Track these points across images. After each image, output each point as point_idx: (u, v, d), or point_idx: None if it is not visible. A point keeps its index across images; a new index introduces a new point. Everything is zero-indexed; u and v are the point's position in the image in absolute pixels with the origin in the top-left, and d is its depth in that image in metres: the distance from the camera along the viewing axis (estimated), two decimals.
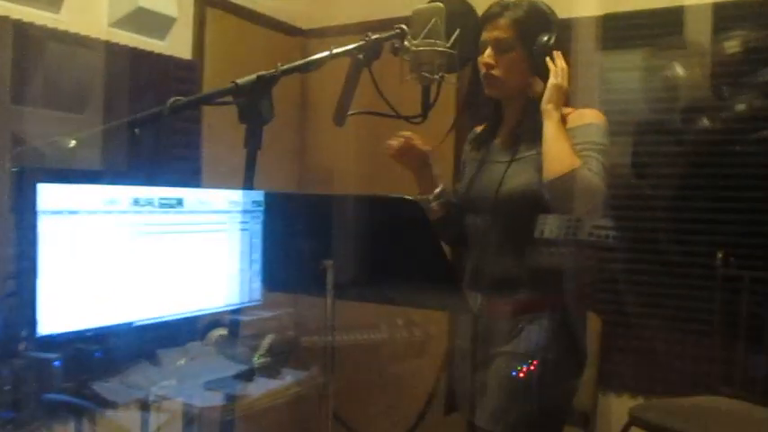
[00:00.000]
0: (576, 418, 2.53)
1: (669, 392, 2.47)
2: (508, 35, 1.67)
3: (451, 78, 1.78)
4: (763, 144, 2.43)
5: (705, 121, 2.53)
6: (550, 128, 1.60)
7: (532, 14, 1.67)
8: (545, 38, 1.65)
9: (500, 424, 1.67)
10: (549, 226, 1.64)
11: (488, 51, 1.68)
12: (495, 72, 1.69)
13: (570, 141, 1.59)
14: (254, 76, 1.34)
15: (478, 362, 1.77)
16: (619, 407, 2.62)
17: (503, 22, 1.67)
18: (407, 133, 1.79)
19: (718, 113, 2.51)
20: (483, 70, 1.71)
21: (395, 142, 1.81)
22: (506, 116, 1.80)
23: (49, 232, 1.44)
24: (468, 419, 1.79)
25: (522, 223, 1.67)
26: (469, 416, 1.77)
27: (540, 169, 1.62)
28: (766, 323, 2.35)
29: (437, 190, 1.84)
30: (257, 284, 1.91)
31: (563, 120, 1.64)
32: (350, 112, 1.63)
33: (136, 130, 1.55)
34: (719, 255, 2.45)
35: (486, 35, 1.69)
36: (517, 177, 1.68)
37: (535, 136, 1.66)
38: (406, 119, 1.67)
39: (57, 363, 1.70)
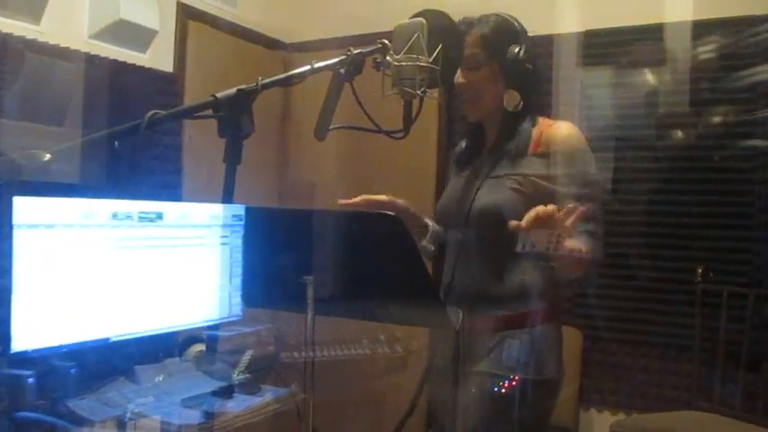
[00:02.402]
0: None
1: (649, 408, 2.47)
2: (477, 52, 1.66)
3: (434, 93, 1.78)
4: (741, 158, 2.46)
5: (683, 136, 2.55)
6: None
7: (499, 29, 1.67)
8: (515, 49, 1.65)
9: None
10: (531, 240, 1.60)
11: (460, 72, 1.66)
12: (470, 93, 1.69)
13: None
14: (233, 90, 1.33)
15: (453, 380, 1.73)
16: (600, 423, 2.63)
17: (470, 39, 1.66)
18: (382, 197, 1.75)
19: (695, 128, 2.54)
20: (459, 94, 1.71)
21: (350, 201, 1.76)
22: (487, 132, 1.79)
23: (24, 246, 1.41)
24: None
25: (496, 239, 1.64)
26: None
27: (515, 189, 1.62)
28: (744, 338, 2.36)
29: (429, 233, 1.77)
30: (237, 300, 1.88)
31: (540, 135, 1.64)
32: (331, 127, 1.62)
33: (115, 144, 1.53)
34: (699, 270, 2.46)
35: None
36: (491, 195, 1.66)
37: (515, 151, 1.66)
38: (388, 134, 1.67)
39: (30, 380, 1.67)
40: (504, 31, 1.67)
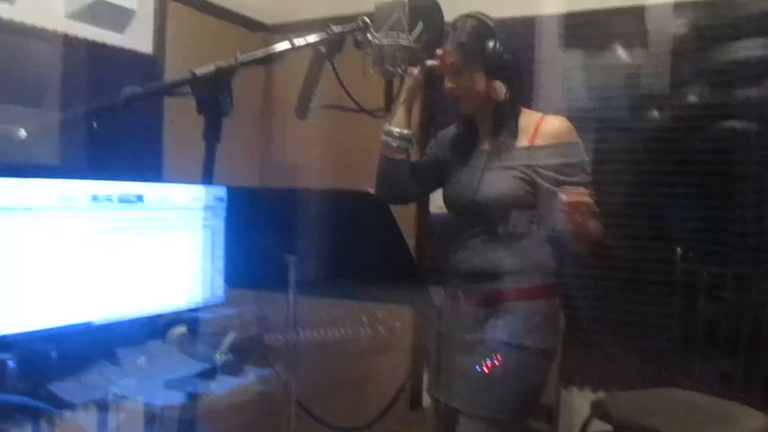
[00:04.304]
0: (540, 413, 2.55)
1: (629, 386, 2.50)
2: (458, 58, 1.76)
3: (414, 72, 1.80)
4: (720, 139, 2.48)
5: (662, 117, 2.56)
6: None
7: (475, 32, 1.76)
8: (493, 46, 1.75)
9: (476, 406, 1.76)
10: (515, 220, 1.77)
11: (446, 78, 1.80)
12: (460, 93, 1.80)
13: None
14: (212, 67, 1.32)
15: (457, 348, 1.85)
16: (581, 401, 2.66)
17: (449, 47, 1.76)
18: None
19: (675, 109, 2.55)
20: (449, 95, 1.82)
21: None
22: (480, 122, 1.89)
23: (1, 229, 1.40)
24: (444, 401, 1.87)
25: (501, 224, 1.79)
26: (447, 398, 1.86)
27: (521, 179, 1.76)
28: (722, 317, 2.39)
29: (405, 131, 1.87)
30: (220, 282, 1.88)
31: (535, 128, 1.78)
32: (312, 106, 1.62)
33: (94, 124, 1.51)
34: (679, 250, 2.49)
35: (437, 64, 1.79)
36: (493, 184, 1.78)
37: (510, 139, 1.80)
38: (369, 113, 1.67)
39: (11, 363, 1.65)
40: (480, 33, 1.76)
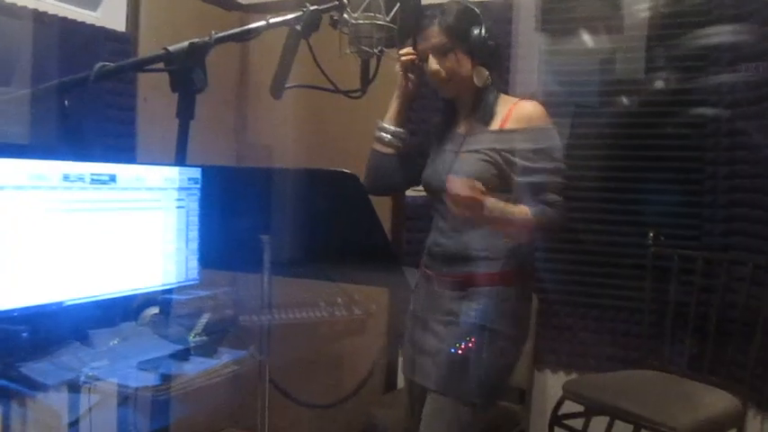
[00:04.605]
0: (513, 395, 2.58)
1: (601, 368, 2.53)
2: (444, 41, 1.79)
3: (392, 53, 1.79)
4: (692, 124, 2.51)
5: (635, 101, 2.58)
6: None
7: (461, 16, 1.79)
8: (478, 31, 1.78)
9: (447, 386, 1.78)
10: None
11: (431, 60, 1.81)
12: (443, 76, 1.81)
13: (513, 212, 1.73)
14: (186, 44, 1.31)
15: (428, 329, 1.87)
16: (553, 382, 2.69)
17: (436, 30, 1.79)
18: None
19: (648, 94, 2.57)
20: (432, 79, 1.84)
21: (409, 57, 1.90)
22: (459, 106, 1.91)
23: None
24: (419, 383, 1.89)
25: None
26: (419, 378, 1.88)
27: (487, 161, 1.77)
28: (693, 300, 2.42)
29: (399, 129, 1.95)
30: (194, 264, 1.88)
31: (508, 112, 1.80)
32: (287, 86, 1.61)
33: (65, 102, 1.49)
34: (651, 234, 2.52)
35: (423, 45, 1.83)
36: (466, 168, 1.78)
37: (485, 126, 1.81)
38: (345, 93, 1.66)
39: None
40: (466, 17, 1.80)
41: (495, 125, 1.81)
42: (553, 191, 1.76)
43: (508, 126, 1.79)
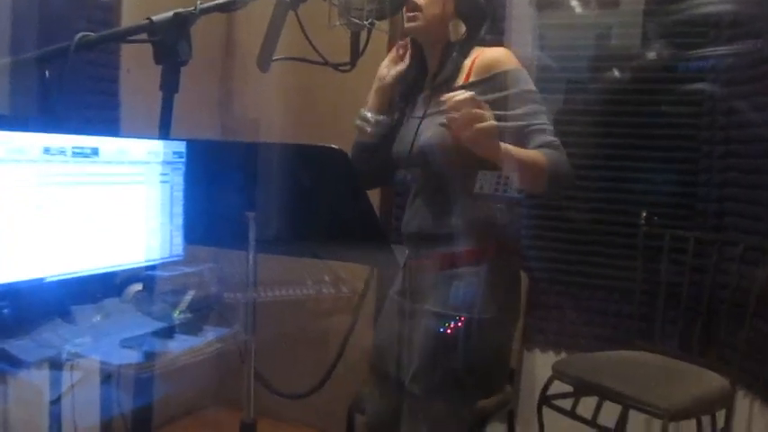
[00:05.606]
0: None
1: (591, 348, 2.52)
2: None
3: (382, 26, 1.74)
4: (686, 102, 2.47)
5: (629, 78, 2.55)
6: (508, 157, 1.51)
7: None
8: None
9: (423, 384, 1.66)
10: (482, 181, 1.59)
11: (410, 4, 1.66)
12: (421, 19, 1.67)
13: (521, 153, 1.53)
14: (170, 14, 1.27)
15: (405, 319, 1.75)
16: (543, 362, 2.68)
17: None
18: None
19: (642, 70, 2.54)
20: (408, 15, 1.68)
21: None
22: (430, 64, 1.77)
23: None
24: (394, 376, 1.77)
25: (442, 177, 1.66)
26: (398, 372, 1.75)
27: (445, 124, 1.57)
28: (684, 280, 2.41)
29: (381, 117, 1.80)
30: (179, 240, 1.84)
31: (471, 63, 1.64)
32: (274, 58, 1.57)
33: (46, 73, 1.46)
34: (643, 213, 2.50)
35: None
36: (426, 133, 1.65)
37: (445, 83, 1.65)
38: (334, 66, 1.63)
39: None
40: None
41: (459, 81, 1.64)
42: (545, 132, 1.57)
43: (472, 78, 1.63)
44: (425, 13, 1.66)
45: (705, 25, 2.41)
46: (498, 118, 1.51)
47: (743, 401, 2.29)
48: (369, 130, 1.80)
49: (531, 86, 1.62)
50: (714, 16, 2.36)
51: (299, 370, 2.53)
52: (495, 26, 1.82)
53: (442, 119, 1.54)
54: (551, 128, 1.60)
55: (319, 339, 2.80)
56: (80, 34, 1.26)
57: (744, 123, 2.30)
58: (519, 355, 2.62)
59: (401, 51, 1.81)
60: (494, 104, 1.54)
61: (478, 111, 1.43)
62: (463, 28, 1.68)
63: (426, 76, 1.78)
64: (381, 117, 1.80)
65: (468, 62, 1.66)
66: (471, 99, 1.42)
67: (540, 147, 1.56)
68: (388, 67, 1.81)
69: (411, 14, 1.68)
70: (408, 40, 1.80)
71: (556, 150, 1.56)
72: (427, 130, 1.65)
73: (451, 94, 1.44)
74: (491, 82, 1.61)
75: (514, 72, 1.61)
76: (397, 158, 1.78)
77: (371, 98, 1.82)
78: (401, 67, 1.80)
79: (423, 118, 1.68)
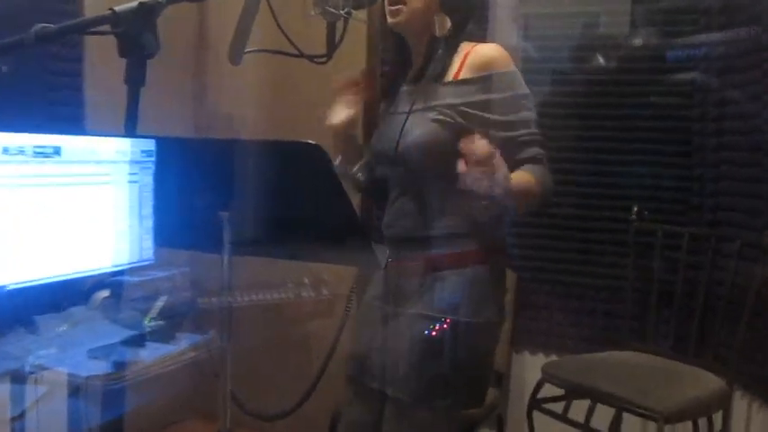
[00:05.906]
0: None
1: (582, 349, 2.48)
2: None
3: (360, 15, 1.67)
4: (679, 93, 2.42)
5: (619, 68, 2.50)
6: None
7: None
8: None
9: (408, 390, 1.59)
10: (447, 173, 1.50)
11: None
12: (406, 12, 1.59)
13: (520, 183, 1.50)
14: (135, 4, 1.21)
15: (387, 324, 1.68)
16: (533, 364, 2.62)
17: None
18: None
19: (632, 60, 2.49)
20: (389, 8, 1.60)
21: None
22: (414, 59, 1.70)
23: None
24: (373, 386, 1.69)
25: (427, 177, 1.61)
26: (377, 383, 1.67)
27: (438, 121, 1.56)
28: (677, 278, 2.36)
29: (362, 161, 1.74)
30: (149, 242, 1.77)
31: (462, 59, 1.59)
32: (247, 50, 1.51)
33: (2, 68, 1.39)
34: (634, 209, 2.45)
35: None
36: (415, 130, 1.58)
37: (434, 79, 1.59)
38: (310, 58, 1.57)
39: None
40: None
41: (448, 77, 1.58)
42: (533, 144, 1.55)
43: (463, 75, 1.56)
44: (409, 7, 1.58)
45: (696, 12, 2.36)
46: (488, 120, 1.50)
47: (740, 402, 2.25)
48: (362, 178, 1.74)
49: (525, 90, 1.58)
50: (705, 2, 2.31)
51: (278, 382, 2.47)
52: (479, 17, 1.76)
53: (432, 115, 1.53)
54: (539, 137, 1.57)
55: (300, 346, 2.71)
56: (38, 25, 1.19)
57: (737, 114, 2.25)
58: (507, 358, 2.55)
59: (353, 93, 1.72)
60: (485, 106, 1.52)
61: (497, 162, 1.37)
62: (449, 22, 1.60)
63: (408, 70, 1.71)
64: (361, 162, 1.74)
65: (458, 57, 1.60)
66: (492, 155, 1.36)
67: (527, 161, 1.54)
68: (337, 115, 1.71)
69: (394, 8, 1.60)
70: (364, 77, 1.76)
71: (541, 166, 1.56)
72: (416, 127, 1.58)
73: (470, 143, 1.37)
74: (485, 82, 1.55)
75: (510, 75, 1.57)
76: (379, 156, 1.71)
77: (335, 148, 1.72)
78: (350, 113, 1.71)
79: (408, 114, 1.59)
